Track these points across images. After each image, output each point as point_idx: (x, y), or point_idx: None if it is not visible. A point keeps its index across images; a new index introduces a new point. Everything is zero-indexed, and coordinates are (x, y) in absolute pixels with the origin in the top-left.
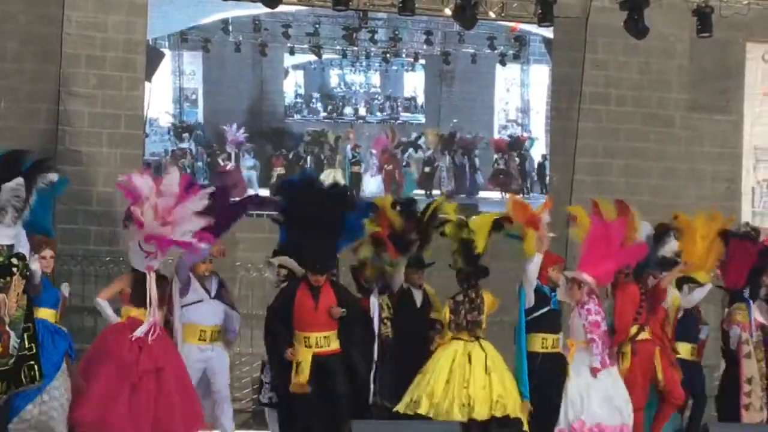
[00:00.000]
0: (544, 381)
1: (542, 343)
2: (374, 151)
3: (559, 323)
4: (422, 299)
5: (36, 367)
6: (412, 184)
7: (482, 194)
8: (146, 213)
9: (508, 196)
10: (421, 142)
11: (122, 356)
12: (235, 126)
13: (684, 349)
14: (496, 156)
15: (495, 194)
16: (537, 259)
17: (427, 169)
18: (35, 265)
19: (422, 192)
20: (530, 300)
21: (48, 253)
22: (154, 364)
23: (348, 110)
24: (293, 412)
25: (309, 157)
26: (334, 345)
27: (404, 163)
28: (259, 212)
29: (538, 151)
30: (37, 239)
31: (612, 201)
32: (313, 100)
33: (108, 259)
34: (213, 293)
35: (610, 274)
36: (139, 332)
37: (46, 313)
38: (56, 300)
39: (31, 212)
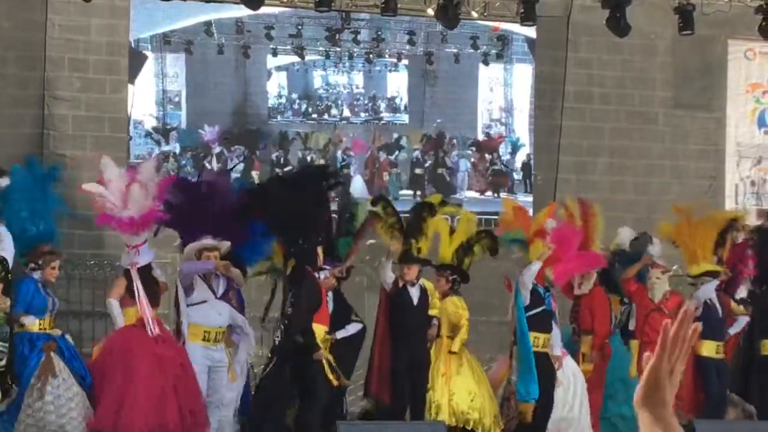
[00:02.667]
0: (539, 378)
1: (534, 341)
2: (353, 153)
3: (550, 324)
4: (419, 296)
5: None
6: (396, 185)
7: (467, 194)
8: (113, 198)
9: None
10: (403, 142)
11: (156, 352)
12: (216, 127)
13: (706, 347)
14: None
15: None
16: (536, 266)
17: (418, 171)
18: None
19: (410, 193)
20: (525, 300)
21: (57, 263)
22: (181, 357)
23: (331, 111)
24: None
25: (296, 159)
26: None
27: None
28: None
29: (521, 151)
30: (53, 249)
31: (584, 200)
32: (297, 102)
33: (93, 262)
34: (219, 294)
35: (565, 277)
36: (152, 330)
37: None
38: (43, 307)
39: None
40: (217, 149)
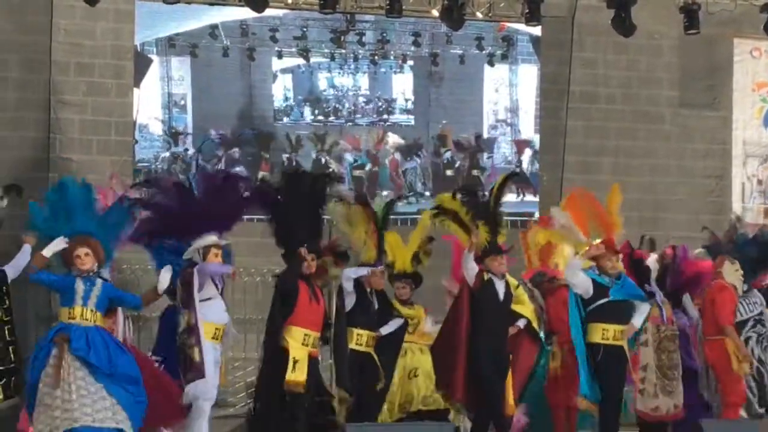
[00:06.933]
0: (607, 372)
1: (602, 334)
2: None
3: (623, 314)
4: (504, 290)
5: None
6: (386, 185)
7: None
8: None
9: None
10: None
11: None
12: (217, 131)
13: None
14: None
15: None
16: (575, 262)
17: (449, 173)
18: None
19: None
20: (585, 294)
21: (82, 251)
22: None
23: (337, 113)
24: (286, 415)
25: (306, 160)
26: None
27: (413, 166)
28: (250, 217)
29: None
30: (74, 238)
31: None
32: (302, 104)
33: None
34: (220, 290)
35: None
36: None
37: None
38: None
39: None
40: (220, 151)
